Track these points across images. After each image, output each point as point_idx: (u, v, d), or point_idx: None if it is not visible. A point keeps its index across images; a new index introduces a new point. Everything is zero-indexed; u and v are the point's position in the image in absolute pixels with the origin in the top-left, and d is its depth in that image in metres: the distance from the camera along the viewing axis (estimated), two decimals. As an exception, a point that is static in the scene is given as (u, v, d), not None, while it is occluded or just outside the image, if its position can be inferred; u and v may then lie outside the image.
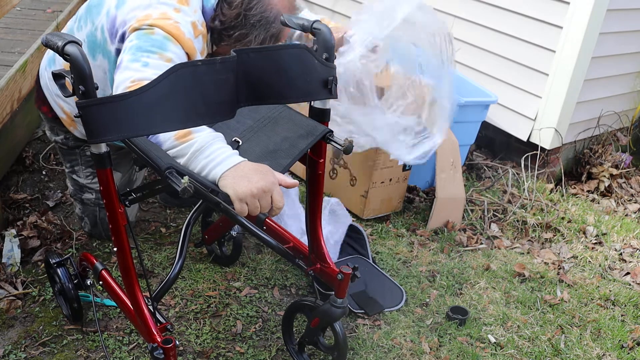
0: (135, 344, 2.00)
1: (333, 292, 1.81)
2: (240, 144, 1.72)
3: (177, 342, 1.54)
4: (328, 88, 1.58)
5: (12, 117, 2.74)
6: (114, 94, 1.59)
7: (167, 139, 1.52)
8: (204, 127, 1.54)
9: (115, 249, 1.47)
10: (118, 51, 1.84)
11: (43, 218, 2.52)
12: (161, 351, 1.50)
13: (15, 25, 3.58)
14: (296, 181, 1.52)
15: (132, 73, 1.63)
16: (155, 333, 1.53)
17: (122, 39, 1.79)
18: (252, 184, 1.41)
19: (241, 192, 1.41)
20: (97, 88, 1.26)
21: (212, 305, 2.22)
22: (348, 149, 1.59)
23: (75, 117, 1.25)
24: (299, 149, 1.64)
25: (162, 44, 1.71)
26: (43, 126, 3.19)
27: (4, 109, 2.62)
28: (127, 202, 1.55)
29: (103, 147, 1.34)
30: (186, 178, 1.35)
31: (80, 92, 1.24)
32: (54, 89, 2.14)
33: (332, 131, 1.65)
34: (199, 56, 1.85)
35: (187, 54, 1.79)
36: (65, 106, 2.15)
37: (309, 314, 1.93)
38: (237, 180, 1.42)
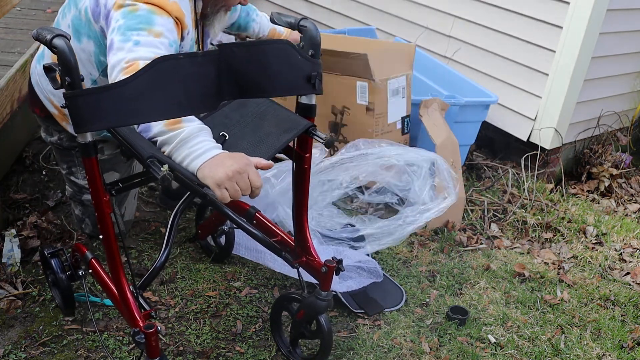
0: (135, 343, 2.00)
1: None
2: (227, 138, 1.77)
3: (160, 327, 1.57)
4: (312, 83, 1.61)
5: (12, 117, 2.74)
6: (109, 75, 1.64)
7: (157, 124, 1.53)
8: (194, 117, 1.57)
9: (101, 237, 1.53)
10: (102, 29, 1.85)
11: (43, 218, 2.52)
12: (142, 335, 1.54)
13: (15, 25, 3.58)
14: (271, 162, 1.56)
15: (125, 54, 1.64)
16: (138, 318, 1.58)
17: (107, 17, 1.79)
18: (227, 168, 1.45)
19: (218, 177, 1.44)
20: (82, 79, 1.32)
21: (212, 305, 2.22)
22: (329, 142, 1.64)
23: (62, 107, 1.30)
24: (281, 142, 1.68)
25: (148, 18, 1.70)
26: (43, 126, 3.19)
27: (4, 109, 2.62)
28: (113, 191, 1.65)
29: (88, 137, 1.40)
30: (166, 166, 1.41)
31: (67, 83, 1.30)
32: (44, 84, 2.15)
33: (315, 125, 1.69)
34: (189, 18, 1.86)
35: (176, 19, 1.78)
36: (55, 100, 2.16)
37: (293, 310, 1.96)
38: (213, 169, 1.46)
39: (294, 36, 2.44)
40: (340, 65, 2.81)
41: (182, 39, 1.88)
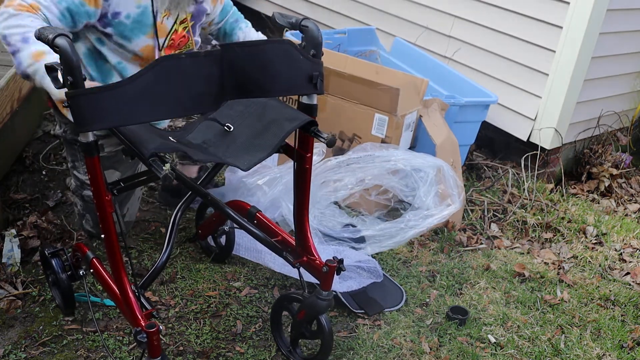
0: (135, 343, 2.00)
1: None
2: (232, 129, 1.79)
3: (162, 327, 1.58)
4: (313, 83, 1.62)
5: (12, 117, 2.74)
6: None
7: (25, 57, 1.74)
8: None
9: (102, 236, 1.54)
10: None
11: (43, 218, 2.52)
12: (144, 335, 1.54)
13: (15, 25, 3.57)
14: None
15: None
16: (139, 317, 1.58)
17: None
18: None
19: None
20: (85, 78, 1.33)
21: (212, 305, 2.22)
22: (331, 142, 1.65)
23: (64, 106, 1.31)
24: (286, 129, 1.69)
25: None
26: (43, 126, 3.19)
27: (4, 109, 2.62)
28: (114, 191, 1.66)
29: (90, 136, 1.40)
30: (167, 165, 1.43)
31: (69, 82, 1.31)
32: None
33: (317, 123, 1.69)
34: None
35: None
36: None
37: (294, 310, 1.96)
38: None
39: None
40: (359, 94, 2.76)
41: None
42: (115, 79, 2.12)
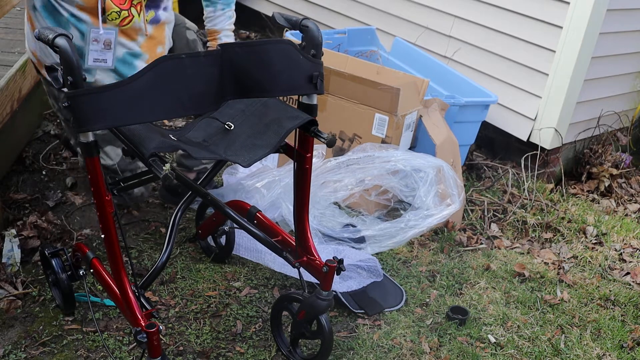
0: (135, 343, 2.00)
1: None
2: (232, 127, 1.79)
3: (162, 327, 1.58)
4: (313, 83, 1.62)
5: (12, 117, 2.74)
6: None
7: None
8: None
9: (102, 236, 1.54)
10: None
11: (43, 218, 2.52)
12: (144, 335, 1.54)
13: (15, 25, 3.58)
14: None
15: None
16: (140, 317, 1.59)
17: None
18: None
19: None
20: (85, 79, 1.33)
21: (212, 305, 2.22)
22: (331, 142, 1.65)
23: (64, 106, 1.31)
24: (286, 128, 1.69)
25: None
26: (43, 126, 3.19)
27: (4, 109, 2.62)
28: (114, 191, 1.68)
29: (90, 136, 1.40)
30: (167, 165, 1.43)
31: (69, 82, 1.31)
32: (29, 35, 2.20)
33: (317, 123, 1.69)
34: None
35: None
36: (32, 45, 2.21)
37: (294, 310, 1.96)
38: None
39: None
40: (359, 94, 2.75)
41: None
42: (74, 32, 2.05)
